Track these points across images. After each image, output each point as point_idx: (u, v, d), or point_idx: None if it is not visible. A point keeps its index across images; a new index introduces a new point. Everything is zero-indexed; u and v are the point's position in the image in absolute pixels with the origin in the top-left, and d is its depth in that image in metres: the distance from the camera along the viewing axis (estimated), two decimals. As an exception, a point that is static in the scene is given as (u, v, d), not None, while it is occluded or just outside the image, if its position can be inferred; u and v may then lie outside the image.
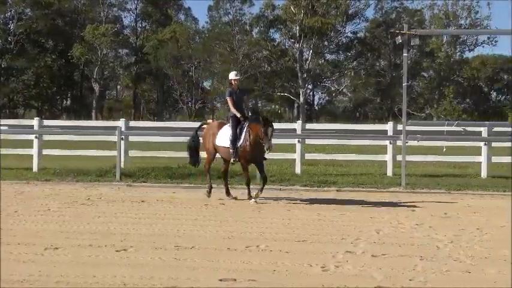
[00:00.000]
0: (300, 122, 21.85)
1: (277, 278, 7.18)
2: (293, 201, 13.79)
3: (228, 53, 67.25)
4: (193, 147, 14.77)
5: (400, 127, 18.60)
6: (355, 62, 70.76)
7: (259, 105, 71.80)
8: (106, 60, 70.80)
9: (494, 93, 75.02)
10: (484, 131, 19.49)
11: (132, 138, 20.04)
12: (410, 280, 7.12)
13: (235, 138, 13.48)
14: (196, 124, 16.89)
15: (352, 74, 70.60)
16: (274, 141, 13.46)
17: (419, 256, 8.27)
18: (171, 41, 67.96)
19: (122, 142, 18.70)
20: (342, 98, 77.29)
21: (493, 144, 19.28)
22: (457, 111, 63.39)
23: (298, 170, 19.31)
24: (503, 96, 73.61)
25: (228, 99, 13.97)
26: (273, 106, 73.95)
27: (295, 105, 67.13)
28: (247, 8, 69.68)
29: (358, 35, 71.28)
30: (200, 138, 14.81)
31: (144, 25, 76.53)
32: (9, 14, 69.63)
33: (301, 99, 65.29)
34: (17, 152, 20.11)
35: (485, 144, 19.20)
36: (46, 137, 20.43)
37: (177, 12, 77.20)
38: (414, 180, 17.60)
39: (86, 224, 10.38)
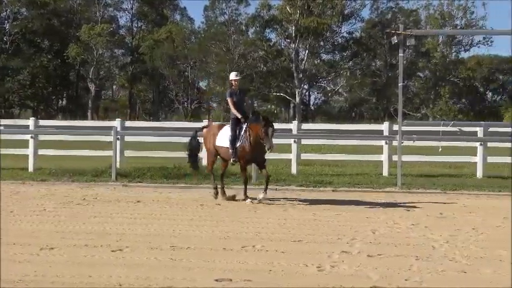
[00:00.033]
0: (295, 122, 21.86)
1: (273, 278, 7.18)
2: (289, 201, 13.79)
3: (223, 53, 67.22)
4: (193, 152, 14.89)
5: (395, 127, 18.62)
6: (351, 62, 70.76)
7: (255, 105, 71.77)
8: (102, 60, 70.67)
9: (490, 94, 75.18)
10: (479, 131, 19.54)
11: (127, 138, 20.04)
12: (406, 280, 7.12)
13: (234, 139, 13.50)
14: (193, 124, 16.97)
15: (348, 74, 70.58)
16: (271, 141, 13.46)
17: (415, 256, 8.28)
18: (166, 41, 67.91)
19: (118, 142, 18.69)
20: (337, 98, 77.33)
21: (489, 144, 19.32)
22: (452, 112, 63.46)
23: (294, 170, 19.31)
24: (499, 97, 73.78)
25: (229, 99, 13.98)
26: (269, 106, 73.90)
27: (291, 105, 67.17)
28: (243, 8, 69.81)
29: (354, 35, 71.39)
30: (200, 140, 14.92)
31: (139, 25, 76.42)
32: (4, 13, 69.47)
33: (297, 99, 65.30)
34: (12, 152, 20.07)
35: (480, 144, 19.23)
36: (42, 137, 20.42)
37: (173, 12, 77.18)
38: (410, 180, 17.61)
39: (82, 224, 10.37)
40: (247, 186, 13.88)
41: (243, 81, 59.58)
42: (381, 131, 19.83)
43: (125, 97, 78.90)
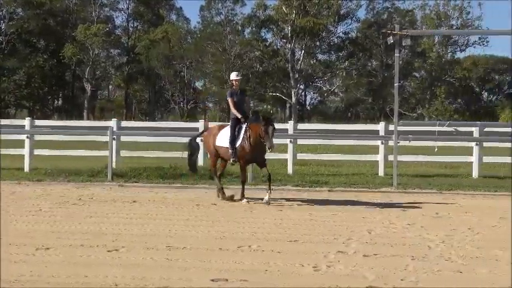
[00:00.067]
0: (291, 122, 21.86)
1: (269, 278, 7.19)
2: (285, 201, 13.79)
3: (220, 53, 67.21)
4: (192, 154, 14.93)
5: (391, 127, 18.64)
6: (346, 62, 70.76)
7: (251, 105, 71.78)
8: (98, 60, 70.63)
9: (486, 94, 75.36)
10: (475, 131, 19.56)
11: (123, 139, 20.02)
12: (401, 280, 7.13)
13: (233, 139, 13.49)
14: (189, 124, 16.98)
15: (344, 74, 70.65)
16: (267, 141, 13.45)
17: (410, 256, 8.29)
18: (162, 41, 67.90)
19: (114, 142, 18.68)
20: (333, 98, 77.42)
21: (485, 144, 19.34)
22: (448, 112, 63.57)
23: (290, 170, 19.32)
24: (495, 97, 73.97)
25: (229, 100, 13.98)
26: (265, 106, 73.90)
27: (287, 105, 67.17)
28: (239, 8, 69.83)
29: (350, 35, 71.48)
30: (200, 142, 14.97)
31: (135, 25, 76.43)
32: (0, 13, 69.40)
33: (293, 99, 65.33)
34: (8, 152, 20.03)
35: (476, 144, 19.25)
36: (37, 137, 20.39)
37: (169, 12, 77.19)
38: (406, 180, 17.63)
39: (78, 224, 10.36)
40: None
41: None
42: (377, 131, 19.83)
43: (120, 97, 78.87)
